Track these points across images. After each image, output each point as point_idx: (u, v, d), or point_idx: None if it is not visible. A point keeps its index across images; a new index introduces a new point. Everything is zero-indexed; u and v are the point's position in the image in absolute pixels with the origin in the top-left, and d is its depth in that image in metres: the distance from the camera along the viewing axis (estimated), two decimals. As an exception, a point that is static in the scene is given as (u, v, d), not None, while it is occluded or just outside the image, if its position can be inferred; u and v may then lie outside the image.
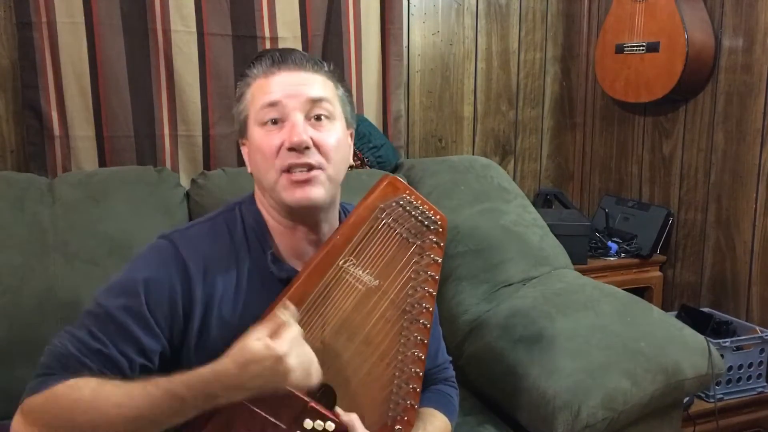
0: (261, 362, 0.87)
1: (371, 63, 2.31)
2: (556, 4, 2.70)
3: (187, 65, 2.06)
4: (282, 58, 1.05)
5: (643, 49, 2.34)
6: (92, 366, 0.95)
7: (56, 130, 1.95)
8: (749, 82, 2.16)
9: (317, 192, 1.01)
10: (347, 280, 1.04)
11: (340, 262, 1.04)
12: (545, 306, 1.63)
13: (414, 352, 1.09)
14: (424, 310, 1.09)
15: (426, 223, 1.10)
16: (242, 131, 1.09)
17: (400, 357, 1.08)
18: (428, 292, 1.10)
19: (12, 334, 1.52)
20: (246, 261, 1.05)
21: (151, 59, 2.03)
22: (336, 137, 1.04)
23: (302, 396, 0.94)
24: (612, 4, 2.47)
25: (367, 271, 1.06)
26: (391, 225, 1.08)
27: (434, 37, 2.51)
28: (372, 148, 2.12)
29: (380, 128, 2.33)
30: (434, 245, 1.10)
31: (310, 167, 1.00)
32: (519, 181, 2.74)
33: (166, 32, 2.02)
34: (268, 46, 2.14)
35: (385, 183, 1.08)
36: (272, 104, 1.02)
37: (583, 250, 2.34)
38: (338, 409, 1.00)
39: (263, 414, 0.94)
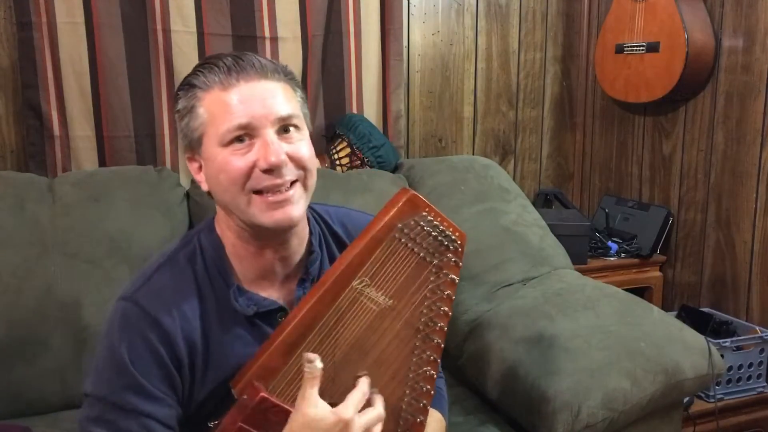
0: (327, 428, 0.87)
1: (371, 63, 2.31)
2: (556, 4, 2.70)
3: (187, 65, 2.05)
4: (238, 65, 0.94)
5: (643, 49, 2.34)
6: None
7: (56, 130, 1.95)
8: (749, 82, 2.16)
9: (296, 210, 0.96)
10: (361, 301, 0.99)
11: (355, 284, 0.98)
12: (545, 306, 1.63)
13: (426, 370, 1.05)
14: (438, 329, 1.05)
15: (445, 242, 1.04)
16: (193, 147, 0.98)
17: (411, 375, 1.05)
18: (443, 311, 1.06)
19: (12, 334, 1.53)
20: (212, 299, 0.99)
21: (151, 59, 2.03)
22: (308, 146, 0.98)
23: None
24: (612, 4, 2.47)
25: (382, 291, 1.01)
26: (409, 244, 1.02)
27: (434, 37, 2.51)
28: (372, 148, 2.12)
29: (380, 128, 2.33)
30: (452, 264, 1.05)
31: (288, 185, 0.95)
32: (519, 181, 2.74)
33: (166, 32, 2.02)
34: (268, 46, 2.14)
35: (404, 200, 1.01)
36: (240, 127, 0.92)
37: (583, 250, 2.34)
38: None
39: None
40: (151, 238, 1.66)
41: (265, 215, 0.94)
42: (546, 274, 1.81)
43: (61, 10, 1.90)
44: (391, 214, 1.01)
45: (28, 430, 1.43)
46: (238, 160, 0.93)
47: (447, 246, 1.05)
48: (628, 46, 2.39)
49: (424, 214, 1.02)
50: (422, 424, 1.07)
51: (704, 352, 1.51)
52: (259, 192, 0.94)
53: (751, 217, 2.19)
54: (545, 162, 2.81)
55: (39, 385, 1.53)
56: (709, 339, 1.56)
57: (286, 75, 0.99)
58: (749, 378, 2.12)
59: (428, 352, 1.05)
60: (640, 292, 2.42)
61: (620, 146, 2.68)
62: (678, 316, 2.25)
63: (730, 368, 2.07)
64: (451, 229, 1.05)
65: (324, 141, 2.27)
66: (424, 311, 1.05)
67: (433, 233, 1.03)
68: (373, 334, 1.01)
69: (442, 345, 1.06)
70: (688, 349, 1.51)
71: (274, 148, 0.92)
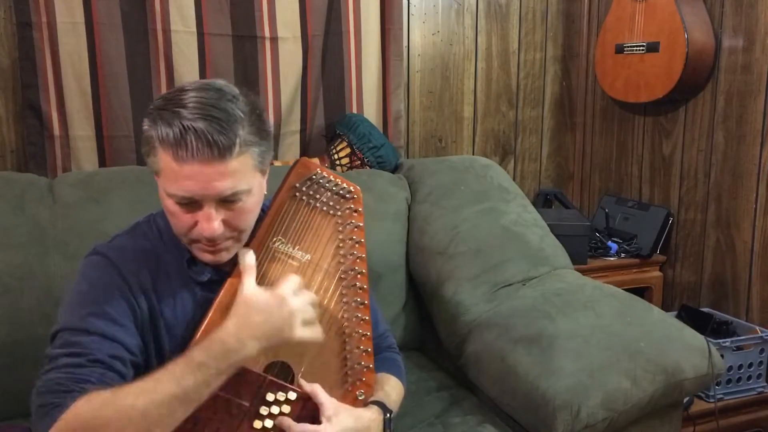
0: (267, 307, 0.95)
1: (371, 63, 2.31)
2: (556, 4, 2.70)
3: (187, 65, 2.06)
4: (193, 143, 0.92)
5: (643, 49, 2.34)
6: (91, 378, 0.93)
7: (56, 130, 1.95)
8: (749, 82, 2.16)
9: (227, 256, 1.06)
10: (280, 258, 1.11)
11: (269, 243, 1.11)
12: (545, 306, 1.63)
13: (358, 315, 1.16)
14: (359, 274, 1.17)
15: (341, 192, 1.18)
16: (152, 166, 1.02)
17: (345, 323, 1.15)
18: (358, 256, 1.17)
19: (12, 334, 1.53)
20: (168, 264, 1.08)
21: (151, 59, 2.03)
22: (249, 209, 1.03)
23: (259, 372, 1.01)
24: (612, 4, 2.47)
25: (297, 247, 1.13)
26: (310, 201, 1.16)
27: (434, 37, 2.51)
28: (372, 148, 2.12)
29: (380, 128, 2.33)
30: (354, 213, 1.19)
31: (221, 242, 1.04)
32: (519, 181, 2.74)
33: (166, 32, 2.02)
34: (268, 46, 2.14)
35: (297, 164, 1.16)
36: (184, 198, 0.98)
37: (583, 250, 2.34)
38: (301, 381, 1.06)
39: (225, 396, 0.98)
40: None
41: (199, 254, 1.05)
42: (546, 274, 1.81)
43: (61, 10, 1.90)
44: (289, 177, 1.15)
45: (28, 430, 1.43)
46: (181, 215, 1.01)
47: (344, 196, 1.19)
48: (628, 46, 2.39)
49: (318, 171, 1.16)
50: (370, 370, 1.15)
51: (704, 352, 1.51)
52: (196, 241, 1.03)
53: (751, 217, 2.19)
54: (545, 162, 2.81)
55: (39, 385, 1.53)
56: (709, 339, 1.56)
57: (242, 135, 0.96)
58: (749, 378, 2.12)
59: (356, 298, 1.16)
60: (640, 292, 2.42)
61: (620, 146, 2.68)
62: (678, 316, 2.25)
63: (730, 368, 2.07)
64: (345, 184, 1.19)
65: (324, 141, 2.27)
66: (341, 260, 1.17)
67: (328, 187, 1.17)
68: None
69: (367, 288, 1.17)
70: (688, 349, 1.51)
71: (210, 224, 0.99)
